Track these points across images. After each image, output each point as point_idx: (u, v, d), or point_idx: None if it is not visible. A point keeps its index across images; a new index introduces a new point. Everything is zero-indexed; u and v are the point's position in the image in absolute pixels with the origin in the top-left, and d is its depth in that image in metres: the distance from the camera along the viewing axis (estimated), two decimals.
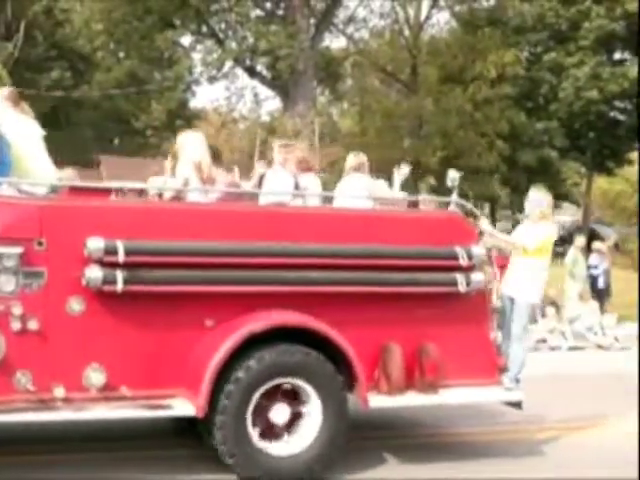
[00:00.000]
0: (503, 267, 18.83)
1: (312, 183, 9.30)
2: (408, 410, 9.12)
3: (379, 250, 7.89)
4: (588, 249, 21.56)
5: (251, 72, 38.65)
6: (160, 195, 8.15)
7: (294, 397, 7.50)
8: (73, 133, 45.07)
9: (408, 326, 7.97)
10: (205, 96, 53.65)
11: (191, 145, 8.44)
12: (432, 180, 46.14)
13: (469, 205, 8.78)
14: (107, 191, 7.57)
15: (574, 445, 9.23)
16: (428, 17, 40.82)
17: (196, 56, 38.43)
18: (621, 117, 47.63)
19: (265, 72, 38.76)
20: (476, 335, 8.31)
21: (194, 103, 52.54)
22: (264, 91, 43.02)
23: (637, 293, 20.38)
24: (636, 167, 42.37)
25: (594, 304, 18.42)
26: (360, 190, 9.06)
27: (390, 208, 9.22)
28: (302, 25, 35.96)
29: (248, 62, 38.03)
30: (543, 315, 17.27)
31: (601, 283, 19.84)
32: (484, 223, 8.79)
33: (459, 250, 8.08)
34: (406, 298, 7.99)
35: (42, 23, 42.69)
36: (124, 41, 38.03)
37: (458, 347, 8.14)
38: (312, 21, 37.84)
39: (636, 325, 18.51)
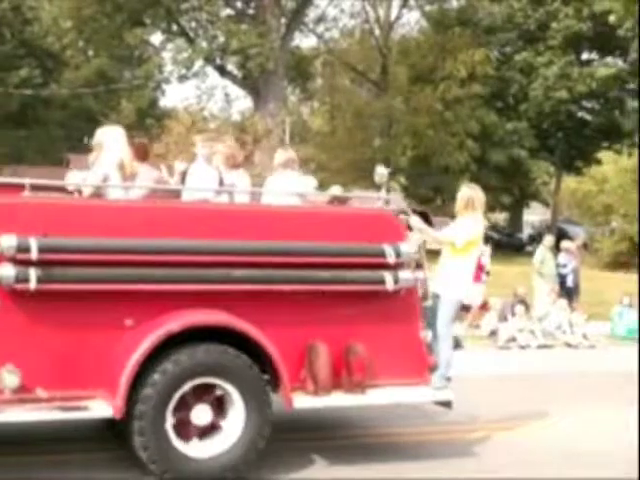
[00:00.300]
0: (480, 269, 18.83)
1: (240, 179, 8.97)
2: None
3: (304, 247, 7.64)
4: (557, 248, 21.48)
5: (222, 71, 38.50)
6: (80, 192, 7.85)
7: (215, 398, 7.24)
8: (42, 132, 44.76)
9: (335, 325, 7.74)
10: (176, 95, 53.54)
11: (111, 140, 8.12)
12: (403, 179, 46.20)
13: (397, 202, 8.50)
14: (21, 187, 7.23)
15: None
16: (398, 17, 40.94)
17: (166, 55, 38.28)
18: (589, 117, 48.01)
19: (236, 71, 38.59)
20: (405, 334, 8.06)
21: (164, 102, 52.38)
22: (235, 90, 42.91)
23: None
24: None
25: (563, 302, 18.33)
26: (289, 187, 8.76)
27: (317, 205, 8.89)
28: (272, 24, 35.87)
29: (219, 61, 37.89)
30: (513, 314, 17.16)
31: (570, 282, 19.79)
32: (414, 219, 8.51)
33: (387, 247, 7.84)
34: (332, 296, 7.74)
35: (10, 20, 42.39)
36: (93, 39, 37.83)
37: (387, 346, 7.89)
38: (282, 20, 37.79)
39: (604, 323, 18.63)
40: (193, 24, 38.00)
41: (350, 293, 7.81)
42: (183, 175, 8.83)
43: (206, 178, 8.45)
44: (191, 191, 8.31)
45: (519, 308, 17.31)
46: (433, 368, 8.23)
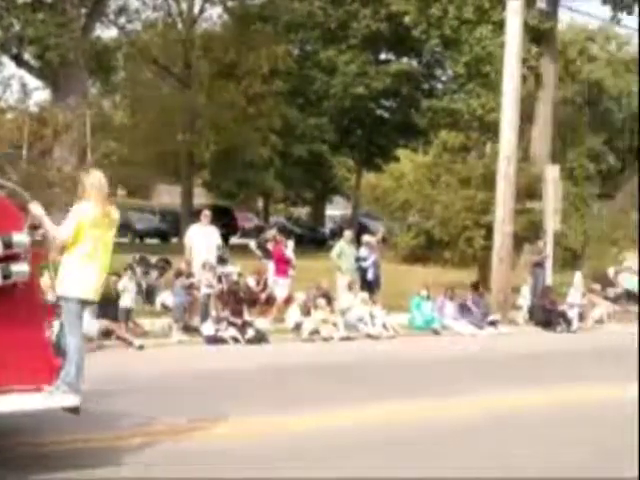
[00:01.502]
0: (279, 260, 19.08)
1: None
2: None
3: None
4: (358, 242, 22.02)
5: (18, 61, 36.99)
6: None
7: None
8: None
9: None
10: None
11: None
12: (206, 174, 46.12)
13: (12, 186, 7.77)
14: None
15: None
16: (202, 11, 40.63)
17: None
18: (387, 115, 49.56)
19: (33, 61, 37.19)
20: (24, 334, 7.22)
21: None
22: (33, 81, 41.42)
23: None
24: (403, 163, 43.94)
25: (364, 295, 18.78)
26: None
27: None
28: (72, 14, 34.79)
29: (15, 50, 36.37)
30: (316, 307, 17.44)
31: (370, 275, 20.31)
32: (35, 208, 7.48)
33: None
34: None
35: None
36: None
37: (1, 348, 7.07)
38: (83, 10, 36.71)
39: (405, 315, 19.24)
40: None
41: None
42: None
43: None
44: None
45: (321, 301, 17.67)
46: (59, 371, 7.49)
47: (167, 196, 63.86)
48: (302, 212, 65.11)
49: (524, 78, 25.41)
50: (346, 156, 52.41)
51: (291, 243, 20.52)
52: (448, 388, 12.13)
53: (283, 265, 19.54)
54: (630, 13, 31.95)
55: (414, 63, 48.84)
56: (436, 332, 18.73)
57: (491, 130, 28.40)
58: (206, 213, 18.95)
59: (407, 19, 34.11)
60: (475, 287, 20.40)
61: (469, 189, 25.70)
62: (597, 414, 10.81)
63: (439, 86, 50.06)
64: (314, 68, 45.63)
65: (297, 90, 43.99)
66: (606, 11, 32.80)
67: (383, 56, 48.95)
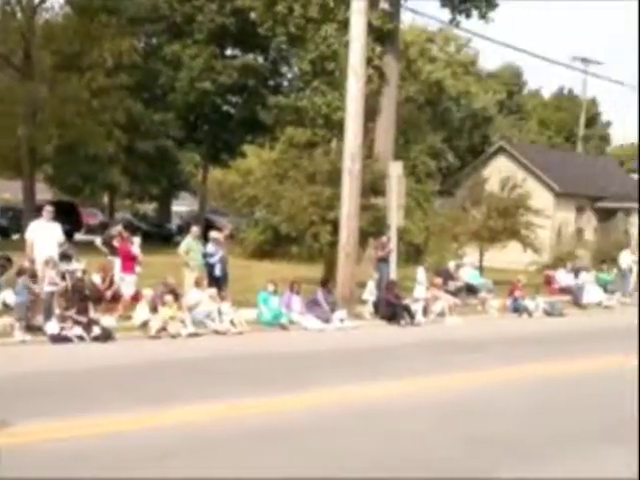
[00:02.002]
0: (125, 257, 18.81)
1: None
2: None
3: None
4: (205, 238, 21.99)
5: None
6: None
7: None
8: None
9: None
10: None
11: None
12: (49, 169, 44.86)
13: None
14: None
15: None
16: (42, 0, 39.38)
17: None
18: (233, 111, 49.62)
19: None
20: None
21: None
22: None
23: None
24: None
25: (212, 291, 18.76)
26: None
27: None
28: None
29: None
30: (163, 303, 17.27)
31: (218, 271, 20.36)
32: None
33: None
34: None
35: None
36: None
37: None
38: None
39: (253, 310, 19.34)
40: None
41: None
42: None
43: None
44: None
45: (169, 298, 17.54)
46: None
47: (7, 192, 61.91)
48: (148, 208, 64.30)
49: (369, 77, 25.85)
50: (192, 151, 52.16)
51: (137, 239, 20.29)
52: (295, 383, 12.33)
53: (129, 262, 19.31)
54: (468, 16, 33.02)
55: (260, 59, 49.05)
56: (284, 327, 18.88)
57: (336, 127, 28.77)
58: (48, 209, 18.51)
59: (253, 15, 34.21)
60: (324, 284, 20.65)
61: (315, 185, 25.96)
62: (439, 404, 11.18)
63: (285, 83, 50.49)
64: (159, 62, 45.20)
65: (142, 84, 43.36)
66: (446, 14, 33.87)
67: (229, 51, 48.98)
